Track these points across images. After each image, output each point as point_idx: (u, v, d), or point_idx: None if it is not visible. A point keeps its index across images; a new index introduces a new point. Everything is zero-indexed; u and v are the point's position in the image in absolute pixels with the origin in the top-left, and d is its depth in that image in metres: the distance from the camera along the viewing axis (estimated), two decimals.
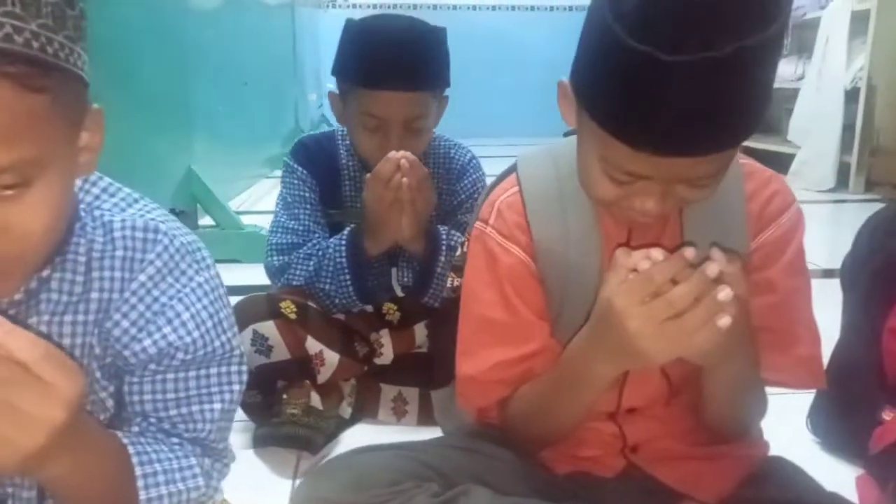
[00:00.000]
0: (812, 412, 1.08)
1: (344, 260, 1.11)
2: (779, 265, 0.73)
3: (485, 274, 0.77)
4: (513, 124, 6.74)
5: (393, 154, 1.06)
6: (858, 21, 3.56)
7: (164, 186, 2.09)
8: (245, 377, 0.69)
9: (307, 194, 1.21)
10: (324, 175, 1.22)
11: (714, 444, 0.78)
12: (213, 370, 0.66)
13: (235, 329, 0.69)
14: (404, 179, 1.05)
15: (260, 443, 1.09)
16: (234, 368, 0.67)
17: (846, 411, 0.99)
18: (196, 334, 0.63)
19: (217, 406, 0.66)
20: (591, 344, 0.67)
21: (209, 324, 0.64)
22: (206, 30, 2.41)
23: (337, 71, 1.15)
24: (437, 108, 1.17)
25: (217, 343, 0.65)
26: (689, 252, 0.58)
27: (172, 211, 2.10)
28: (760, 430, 0.86)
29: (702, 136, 0.57)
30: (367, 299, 1.16)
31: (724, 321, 0.58)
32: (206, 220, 2.26)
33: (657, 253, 0.59)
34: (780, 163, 4.13)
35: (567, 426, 0.75)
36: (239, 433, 1.15)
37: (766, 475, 0.77)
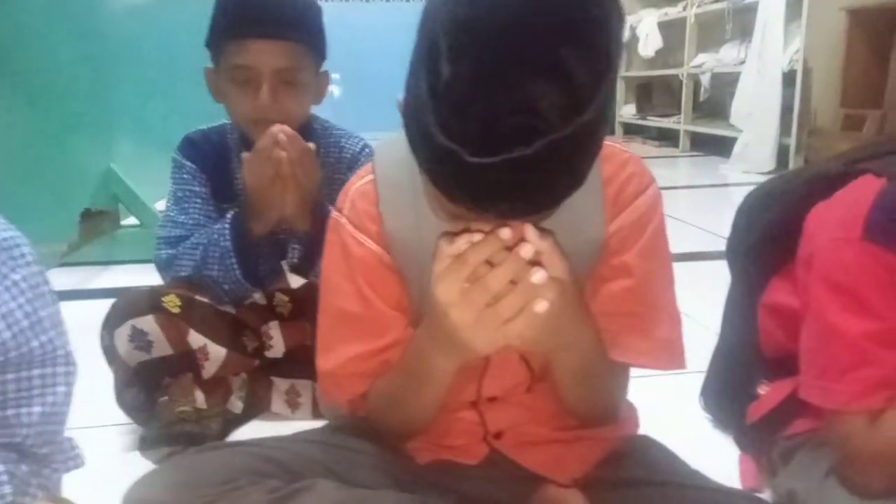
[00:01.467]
0: (703, 390, 1.08)
1: (229, 243, 1.08)
2: (635, 249, 0.72)
3: (340, 265, 0.75)
4: None
5: (271, 129, 1.03)
6: (794, 4, 3.61)
7: (80, 186, 2.03)
8: (74, 378, 0.66)
9: (197, 188, 1.17)
10: (213, 169, 1.18)
11: (579, 427, 0.77)
12: (35, 372, 0.63)
13: (63, 328, 0.66)
14: (283, 153, 1.03)
15: (148, 445, 1.06)
16: (59, 370, 0.64)
17: (730, 388, 0.99)
18: (7, 335, 0.60)
19: (37, 410, 0.63)
20: (425, 336, 0.65)
21: (24, 323, 0.61)
22: (129, 18, 2.31)
23: (207, 39, 1.11)
24: (314, 77, 1.13)
25: (35, 343, 0.62)
26: (505, 232, 0.56)
27: (88, 211, 2.06)
28: (632, 409, 0.86)
29: (519, 209, 0.54)
30: (256, 282, 1.13)
31: (541, 306, 0.56)
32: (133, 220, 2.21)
33: (477, 235, 0.57)
34: (724, 146, 4.20)
35: (420, 419, 0.74)
36: (124, 435, 1.12)
37: (626, 455, 0.76)
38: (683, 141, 4.87)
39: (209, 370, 1.08)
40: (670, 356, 0.75)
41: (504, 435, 0.77)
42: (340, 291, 0.74)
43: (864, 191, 0.74)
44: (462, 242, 0.57)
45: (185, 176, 1.17)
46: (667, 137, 5.22)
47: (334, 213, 0.76)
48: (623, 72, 5.80)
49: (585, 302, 0.66)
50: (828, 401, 0.72)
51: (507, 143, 0.49)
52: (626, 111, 5.80)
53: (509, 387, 0.77)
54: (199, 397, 1.07)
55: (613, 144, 0.75)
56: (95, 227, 2.09)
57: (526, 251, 0.56)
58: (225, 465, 0.67)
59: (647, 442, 0.80)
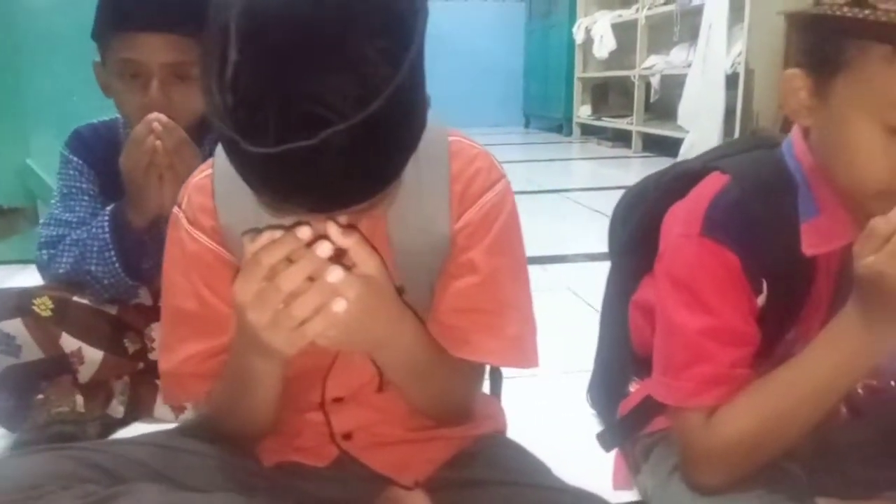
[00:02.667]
0: (589, 387, 1.08)
1: (108, 236, 1.05)
2: (481, 246, 0.71)
3: (178, 262, 0.73)
4: (439, 114, 6.71)
5: (147, 116, 1.00)
6: (737, 8, 3.67)
7: None
8: None
9: (84, 185, 1.14)
10: (103, 165, 1.14)
11: (433, 427, 0.76)
12: None
13: None
14: (158, 142, 0.99)
15: (23, 448, 1.02)
16: None
17: (608, 385, 0.99)
18: None
19: None
20: (238, 338, 0.64)
21: None
22: (45, 10, 2.22)
23: (92, 32, 1.07)
24: None
25: None
26: (303, 230, 0.55)
27: (2, 208, 2.00)
28: (494, 406, 0.85)
29: (319, 203, 0.53)
30: (138, 277, 1.09)
31: (339, 305, 0.55)
32: None
33: (278, 232, 0.56)
34: (675, 147, 4.25)
35: (256, 421, 0.72)
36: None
37: (475, 455, 0.75)
38: (636, 142, 4.93)
39: (85, 374, 1.05)
40: (521, 354, 0.74)
41: (354, 436, 0.76)
42: (178, 289, 0.72)
43: (707, 188, 0.74)
44: (263, 239, 0.55)
45: (71, 172, 1.14)
46: (622, 138, 5.28)
47: (174, 209, 0.74)
48: (579, 73, 5.85)
49: (399, 298, 0.64)
50: (668, 397, 0.72)
51: (296, 133, 0.48)
52: (583, 112, 5.85)
53: (356, 387, 0.75)
54: (79, 401, 1.04)
55: (463, 140, 0.75)
56: (11, 225, 2.02)
57: (323, 249, 0.54)
58: (36, 469, 0.64)
59: (500, 441, 0.79)
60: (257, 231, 0.56)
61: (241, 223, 0.69)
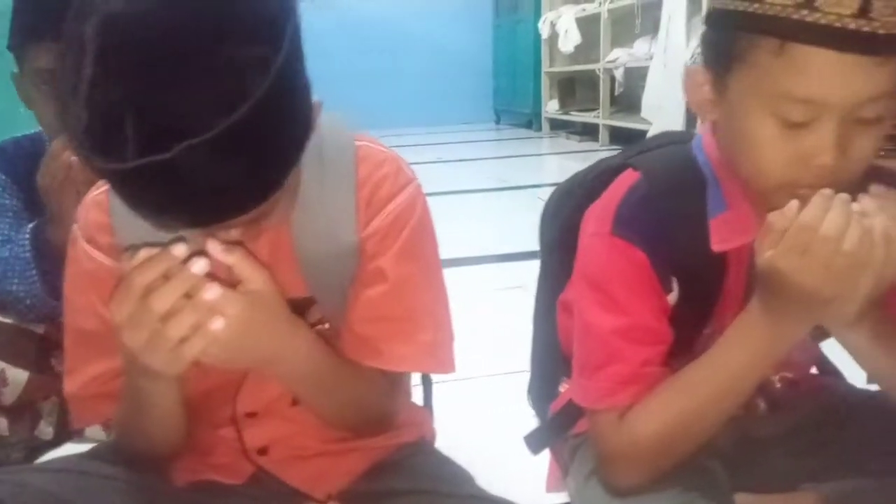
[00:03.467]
0: (529, 388, 1.07)
1: (29, 255, 1.02)
2: (391, 253, 0.70)
3: (77, 280, 0.71)
4: (394, 113, 6.71)
5: None
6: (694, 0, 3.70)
7: None
8: None
9: (7, 202, 1.10)
10: (28, 181, 1.12)
11: (351, 438, 0.75)
12: None
13: None
14: (73, 157, 0.97)
15: None
16: None
17: (542, 386, 0.98)
18: None
19: None
20: (123, 359, 0.62)
21: None
22: None
23: (8, 42, 1.04)
24: None
25: None
26: (178, 248, 0.53)
27: None
28: (419, 414, 0.84)
29: (190, 217, 0.52)
30: (59, 295, 1.07)
31: (217, 323, 0.53)
32: None
33: (153, 250, 0.54)
34: (641, 139, 4.25)
35: (159, 442, 0.70)
36: None
37: (394, 465, 0.74)
38: (603, 135, 4.94)
39: (9, 396, 1.02)
40: (435, 360, 0.73)
41: (270, 450, 0.74)
42: (78, 309, 0.70)
43: (619, 185, 0.74)
44: (140, 257, 0.54)
45: None
46: (590, 132, 5.29)
47: (74, 226, 0.72)
48: (546, 67, 5.86)
49: (290, 313, 0.63)
50: (584, 398, 0.71)
51: (154, 147, 0.46)
52: (551, 107, 5.86)
53: (269, 401, 0.73)
54: (2, 424, 1.01)
55: (372, 145, 0.73)
56: None
57: (199, 266, 0.53)
58: None
59: (422, 450, 0.78)
60: (136, 248, 0.55)
61: (138, 240, 0.68)
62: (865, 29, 0.53)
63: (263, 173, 0.52)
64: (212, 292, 0.53)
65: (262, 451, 0.74)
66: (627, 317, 0.68)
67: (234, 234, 0.57)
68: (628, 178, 0.73)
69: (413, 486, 0.71)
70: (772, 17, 0.56)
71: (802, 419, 0.78)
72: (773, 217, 0.58)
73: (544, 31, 5.63)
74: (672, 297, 0.71)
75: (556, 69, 5.79)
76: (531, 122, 6.25)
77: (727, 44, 0.62)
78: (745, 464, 0.77)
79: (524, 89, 6.18)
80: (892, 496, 0.69)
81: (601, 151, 4.81)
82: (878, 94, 0.57)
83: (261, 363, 0.62)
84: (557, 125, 5.89)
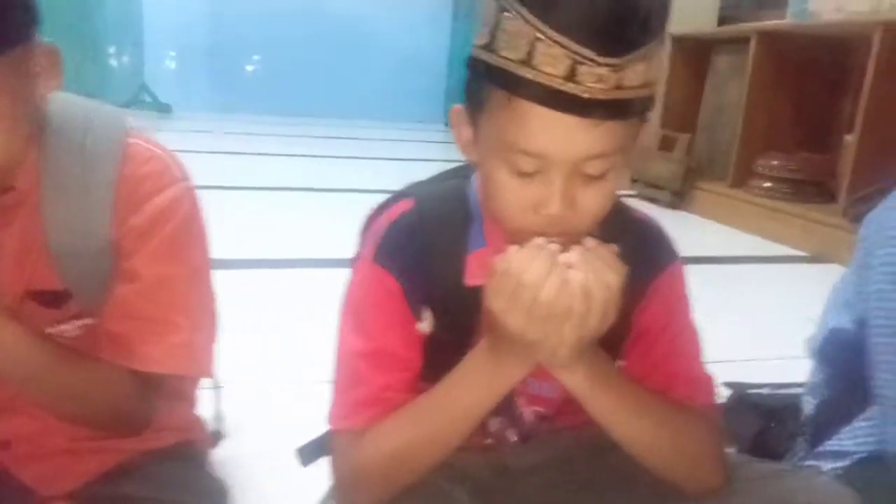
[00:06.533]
0: None
1: None
2: (146, 252, 0.69)
3: None
4: (359, 105, 6.70)
5: None
6: None
7: None
8: None
9: None
10: None
11: (99, 438, 0.74)
12: None
13: None
14: None
15: None
16: None
17: None
18: None
19: None
20: None
21: None
22: None
23: None
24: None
25: None
26: None
27: None
28: (191, 418, 0.84)
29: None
30: None
31: None
32: None
33: None
34: None
35: None
36: None
37: (136, 469, 0.73)
38: None
39: None
40: (189, 362, 0.73)
41: (13, 445, 0.73)
42: None
43: (392, 213, 0.75)
44: None
45: None
46: None
47: None
48: None
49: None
50: (330, 421, 0.73)
51: None
52: None
53: (11, 394, 0.72)
54: None
55: (142, 143, 0.73)
56: None
57: None
58: None
59: (177, 455, 0.77)
60: None
61: None
62: (574, 92, 0.56)
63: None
64: None
65: (4, 446, 0.73)
66: (374, 342, 0.70)
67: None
68: (401, 207, 0.75)
69: (150, 493, 0.70)
70: (501, 69, 0.58)
71: (559, 452, 0.81)
72: (495, 260, 0.61)
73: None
74: (426, 326, 0.72)
75: None
76: None
77: (477, 88, 0.64)
78: (500, 492, 0.80)
79: None
80: None
81: None
82: (599, 153, 0.59)
83: None
84: None
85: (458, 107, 0.68)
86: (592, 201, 0.62)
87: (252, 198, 3.20)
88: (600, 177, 0.61)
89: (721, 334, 1.79)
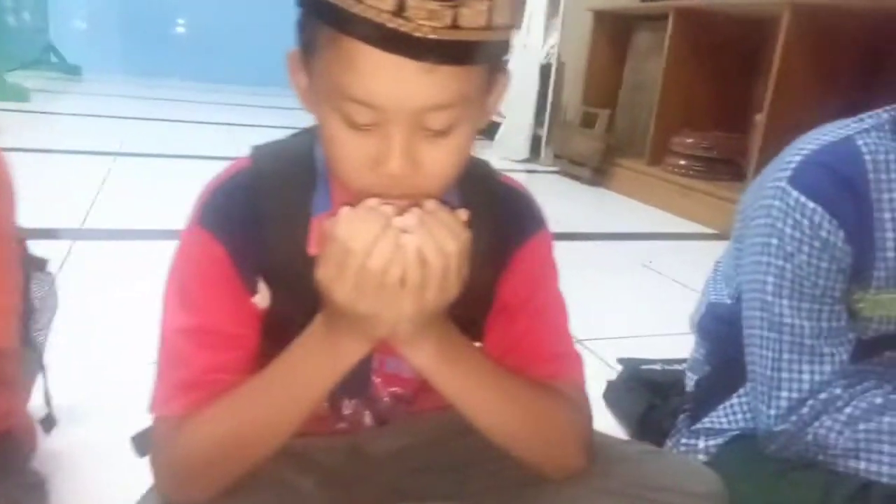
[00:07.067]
0: None
1: None
2: None
3: None
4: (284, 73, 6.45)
5: None
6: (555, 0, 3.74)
7: None
8: None
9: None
10: None
11: None
12: None
13: None
14: None
15: None
16: None
17: None
18: None
19: None
20: None
21: None
22: None
23: None
24: None
25: None
26: None
27: None
28: (11, 408, 0.74)
29: None
30: None
31: None
32: None
33: None
34: (490, 133, 4.30)
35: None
36: None
37: None
38: None
39: None
40: None
41: None
42: None
43: (227, 171, 0.66)
44: None
45: None
46: None
47: None
48: None
49: None
50: (150, 407, 0.64)
51: None
52: None
53: None
54: None
55: None
56: None
57: None
58: None
59: None
60: None
61: None
62: (403, 29, 0.48)
63: None
64: None
65: None
66: (198, 317, 0.61)
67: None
68: (238, 164, 0.66)
69: None
70: (327, 3, 0.50)
71: (421, 435, 0.75)
72: (326, 224, 0.53)
73: None
74: (262, 300, 0.64)
75: None
76: None
77: (309, 26, 0.55)
78: (357, 480, 0.73)
79: None
80: None
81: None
82: (439, 104, 0.52)
83: None
84: None
85: (295, 50, 0.60)
86: (438, 160, 0.55)
87: (161, 166, 3.01)
88: (446, 132, 0.54)
89: (627, 311, 1.80)
